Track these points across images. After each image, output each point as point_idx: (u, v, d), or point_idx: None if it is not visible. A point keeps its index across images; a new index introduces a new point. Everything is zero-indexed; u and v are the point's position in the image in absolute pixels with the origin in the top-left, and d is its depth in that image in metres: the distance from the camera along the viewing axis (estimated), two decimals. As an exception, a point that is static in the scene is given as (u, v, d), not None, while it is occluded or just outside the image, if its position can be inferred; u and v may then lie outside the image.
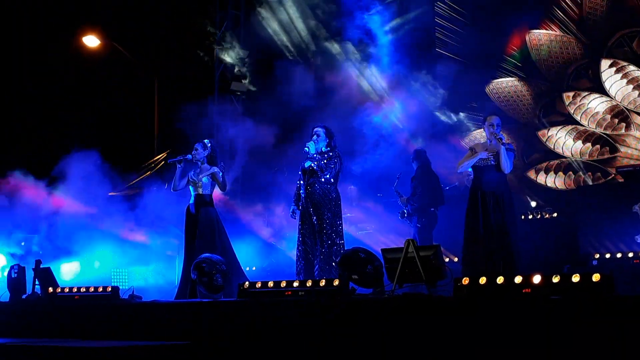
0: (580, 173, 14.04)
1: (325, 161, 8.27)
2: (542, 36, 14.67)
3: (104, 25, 16.72)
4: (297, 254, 8.48)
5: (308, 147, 8.33)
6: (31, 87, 16.88)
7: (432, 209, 10.70)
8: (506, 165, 7.72)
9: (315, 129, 8.49)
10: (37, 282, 8.72)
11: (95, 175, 13.28)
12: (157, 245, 13.14)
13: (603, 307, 4.70)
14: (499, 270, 7.34)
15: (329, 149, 8.43)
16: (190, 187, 8.91)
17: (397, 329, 5.43)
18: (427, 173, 10.96)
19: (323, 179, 8.28)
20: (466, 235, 7.90)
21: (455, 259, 10.99)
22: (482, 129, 8.25)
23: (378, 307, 5.73)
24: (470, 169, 8.08)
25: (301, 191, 8.50)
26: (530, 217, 11.67)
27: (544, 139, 14.64)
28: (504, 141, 7.69)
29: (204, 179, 8.81)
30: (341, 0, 14.39)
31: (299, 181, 8.58)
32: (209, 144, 9.00)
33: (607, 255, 9.81)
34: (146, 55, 17.48)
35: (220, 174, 8.83)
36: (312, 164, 8.32)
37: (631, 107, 13.63)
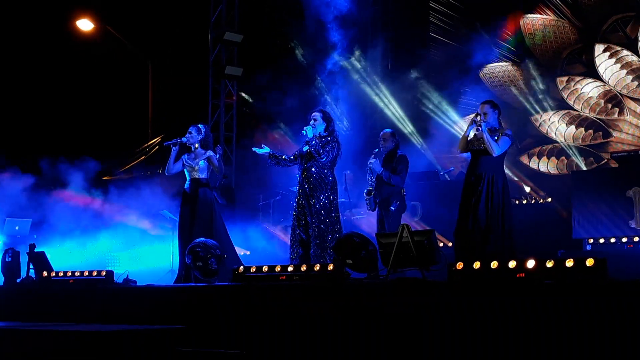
0: (574, 158, 14.07)
1: (322, 145, 8.25)
2: (536, 21, 14.66)
3: (97, 9, 16.63)
4: (291, 238, 8.47)
5: (305, 131, 8.30)
6: (24, 76, 16.76)
7: (404, 193, 10.63)
8: (490, 147, 7.63)
9: (313, 114, 8.46)
10: (31, 266, 8.71)
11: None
12: (150, 229, 13.14)
13: (596, 291, 4.73)
14: (492, 254, 7.34)
15: (326, 133, 8.40)
16: (185, 170, 8.88)
17: (391, 313, 5.44)
18: (404, 156, 10.84)
19: (320, 163, 8.26)
20: (459, 219, 7.88)
21: (450, 244, 11.00)
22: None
23: (372, 291, 5.75)
24: (465, 155, 8.04)
25: (297, 175, 8.49)
26: (525, 202, 11.70)
27: (537, 124, 14.66)
28: (482, 129, 7.63)
29: (201, 163, 8.77)
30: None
31: (296, 164, 8.55)
32: (203, 129, 8.96)
33: (601, 240, 9.84)
34: (140, 39, 17.39)
35: (217, 156, 8.81)
36: (310, 148, 8.30)
37: (624, 92, 13.65)
